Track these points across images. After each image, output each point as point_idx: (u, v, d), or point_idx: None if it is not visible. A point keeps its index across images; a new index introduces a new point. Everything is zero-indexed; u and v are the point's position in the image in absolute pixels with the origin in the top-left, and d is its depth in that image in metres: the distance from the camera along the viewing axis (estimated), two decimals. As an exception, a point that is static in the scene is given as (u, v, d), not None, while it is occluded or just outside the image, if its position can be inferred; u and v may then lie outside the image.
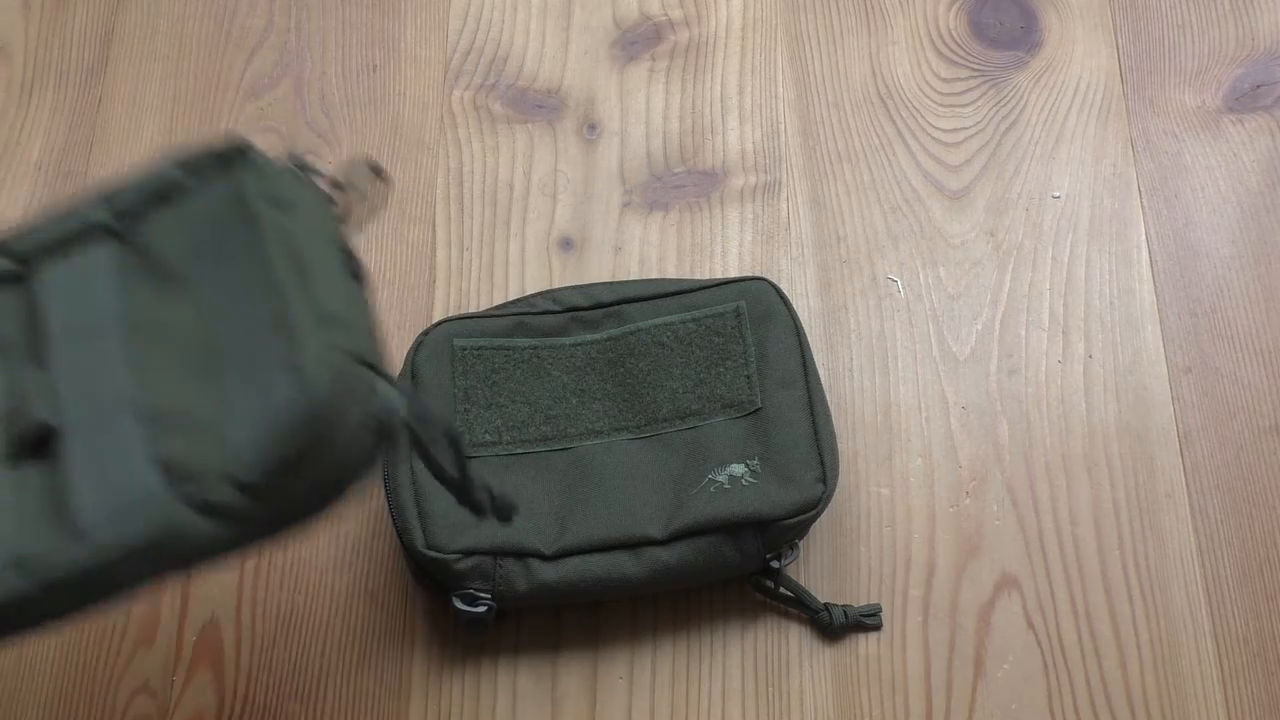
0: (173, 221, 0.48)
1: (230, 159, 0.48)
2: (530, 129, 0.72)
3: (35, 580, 0.40)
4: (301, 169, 0.50)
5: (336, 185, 0.51)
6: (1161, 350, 0.65)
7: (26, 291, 0.47)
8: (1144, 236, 0.68)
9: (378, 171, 0.51)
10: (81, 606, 0.42)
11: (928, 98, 0.72)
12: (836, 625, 0.59)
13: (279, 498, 0.41)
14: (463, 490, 0.45)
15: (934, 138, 0.71)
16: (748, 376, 0.61)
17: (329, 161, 0.72)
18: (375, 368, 0.43)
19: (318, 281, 0.45)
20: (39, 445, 0.44)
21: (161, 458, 0.41)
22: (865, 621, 0.60)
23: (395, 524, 0.58)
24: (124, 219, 0.48)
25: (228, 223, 0.47)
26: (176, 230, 0.48)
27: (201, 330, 0.45)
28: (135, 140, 0.73)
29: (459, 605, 0.58)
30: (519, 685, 0.60)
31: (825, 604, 0.60)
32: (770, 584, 0.59)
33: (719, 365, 0.61)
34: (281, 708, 0.60)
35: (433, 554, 0.57)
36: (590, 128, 0.72)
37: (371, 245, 0.70)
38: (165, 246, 0.48)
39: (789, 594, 0.59)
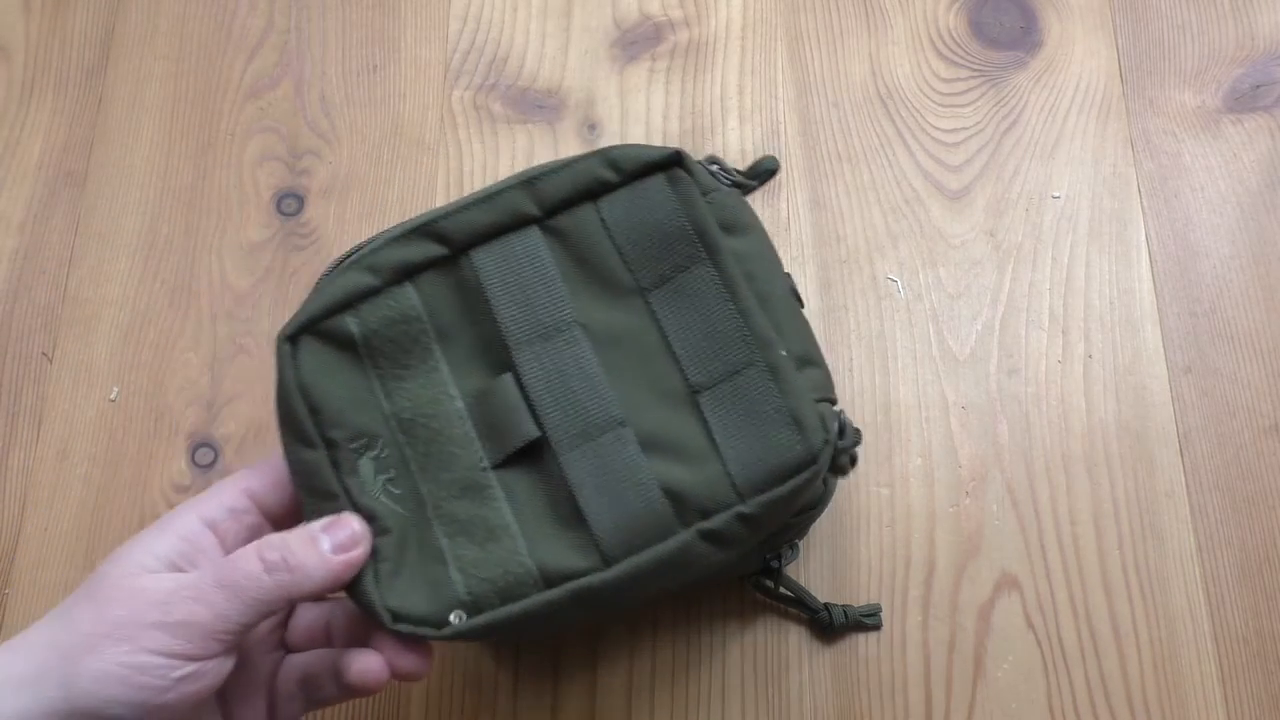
0: (600, 219, 0.50)
1: (665, 167, 0.50)
2: (530, 129, 0.72)
3: (569, 594, 0.45)
4: (719, 169, 0.52)
5: (738, 186, 0.53)
6: (1161, 350, 0.65)
7: (459, 274, 0.49)
8: (1144, 236, 0.68)
9: (772, 172, 0.55)
10: (592, 614, 0.47)
11: (928, 98, 0.72)
12: (836, 625, 0.59)
13: (771, 525, 0.47)
14: (832, 461, 0.49)
15: (934, 138, 0.71)
16: None
17: (329, 162, 0.72)
18: (833, 400, 0.48)
19: (782, 316, 0.49)
20: (527, 452, 0.47)
21: (665, 484, 0.46)
22: (865, 621, 0.60)
23: (359, 605, 0.55)
24: (547, 209, 0.50)
25: (674, 238, 0.49)
26: (606, 229, 0.50)
27: (664, 351, 0.48)
28: (135, 140, 0.74)
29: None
30: (519, 686, 0.60)
31: (825, 604, 0.60)
32: (770, 584, 0.59)
33: None
34: (282, 708, 0.60)
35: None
36: (590, 128, 0.72)
37: (371, 245, 0.70)
38: (594, 243, 0.49)
39: (789, 594, 0.59)
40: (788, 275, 0.52)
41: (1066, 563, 0.61)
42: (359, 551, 0.45)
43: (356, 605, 0.46)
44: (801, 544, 0.60)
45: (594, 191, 0.50)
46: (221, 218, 0.71)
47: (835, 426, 0.47)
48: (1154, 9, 0.73)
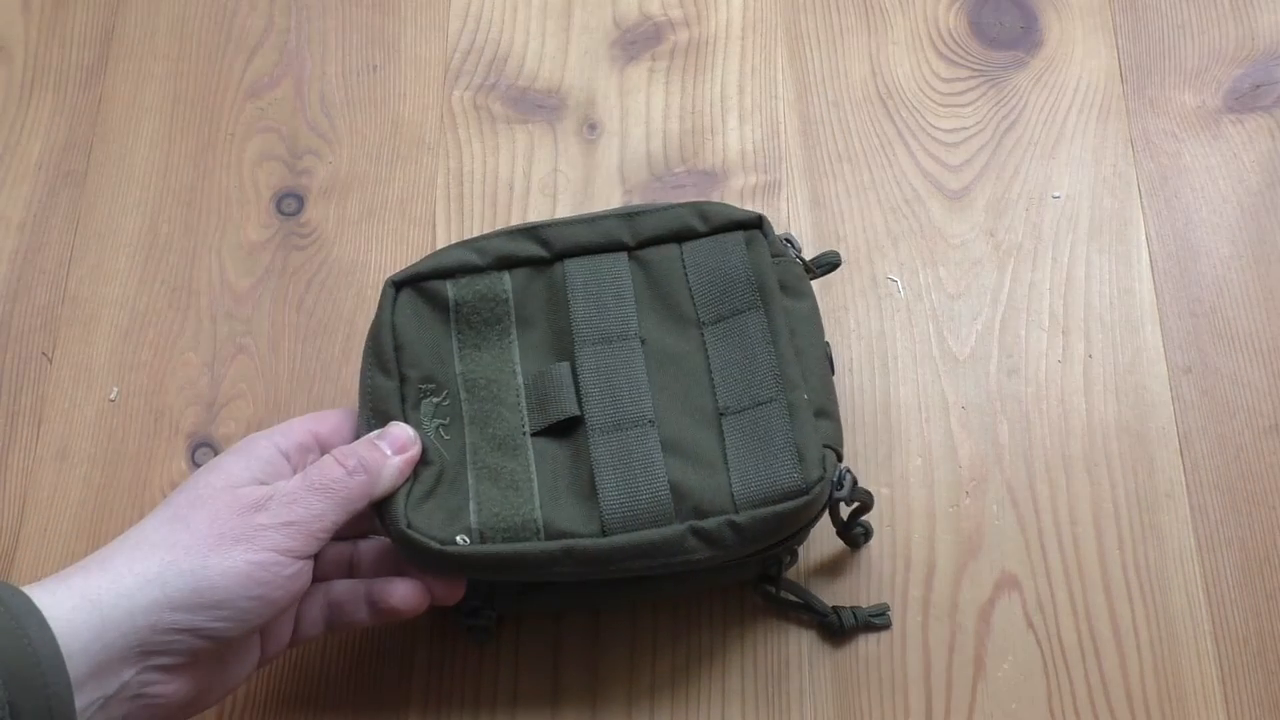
0: (681, 258, 0.58)
1: (747, 227, 0.58)
2: (530, 129, 0.72)
3: (563, 549, 0.51)
4: (789, 243, 0.59)
5: (809, 269, 0.60)
6: (1161, 350, 0.65)
7: (550, 276, 0.58)
8: (1144, 236, 0.68)
9: (835, 265, 0.61)
10: (578, 574, 0.51)
11: (928, 98, 0.72)
12: (846, 627, 0.59)
13: (757, 540, 0.52)
14: (844, 529, 0.57)
15: (934, 138, 0.71)
16: None
17: (329, 162, 0.72)
18: (840, 455, 0.54)
19: (812, 370, 0.55)
20: (563, 428, 0.55)
21: (674, 482, 0.52)
22: (874, 621, 0.60)
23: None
24: (639, 241, 0.58)
25: (738, 285, 0.57)
26: (684, 268, 0.57)
27: (705, 375, 0.55)
28: (135, 140, 0.73)
29: (461, 617, 0.58)
30: (519, 687, 0.60)
31: (834, 607, 0.59)
32: (773, 591, 0.59)
33: None
34: (282, 709, 0.60)
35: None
36: (590, 128, 0.72)
37: (371, 245, 0.70)
38: (671, 278, 0.57)
39: (795, 599, 0.59)
40: (827, 343, 0.58)
41: (1066, 563, 0.61)
42: (414, 450, 0.53)
43: (377, 510, 0.52)
44: (800, 549, 0.60)
45: (681, 235, 0.58)
46: (221, 218, 0.71)
47: (835, 472, 0.53)
48: (1154, 9, 0.73)
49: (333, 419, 0.56)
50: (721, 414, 0.54)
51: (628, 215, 0.58)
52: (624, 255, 0.58)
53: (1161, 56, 0.72)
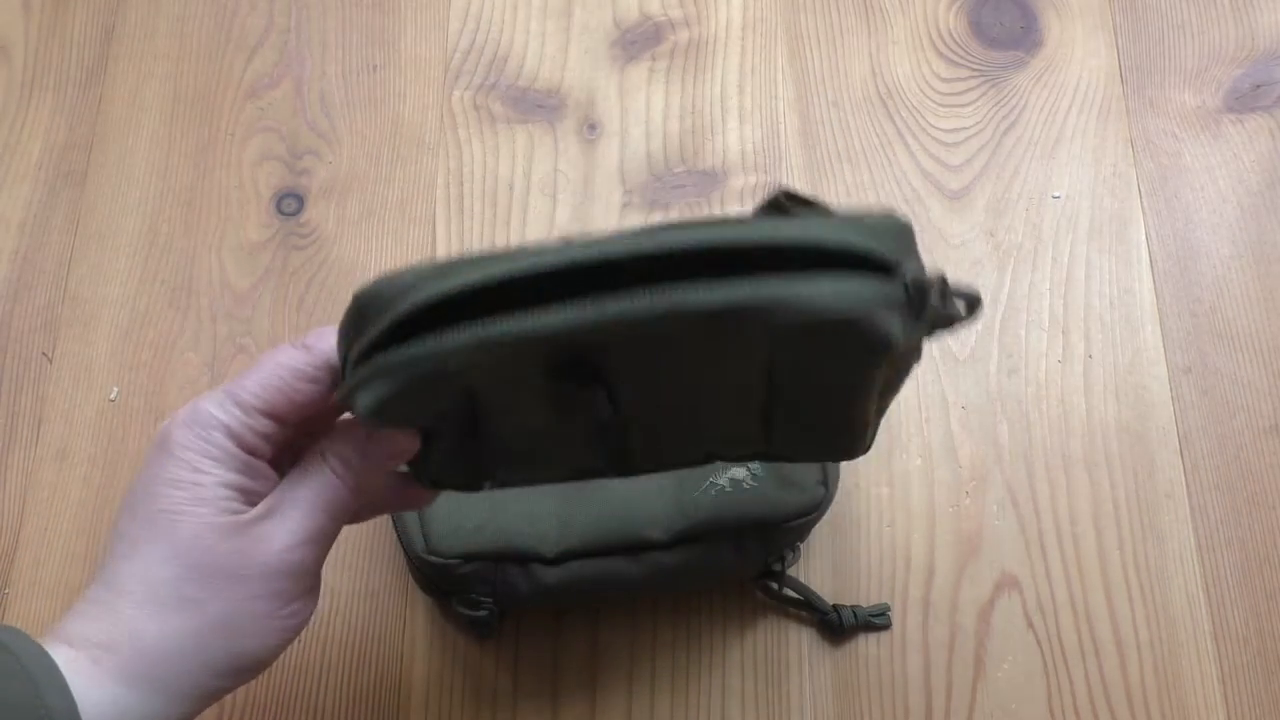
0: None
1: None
2: (530, 129, 0.72)
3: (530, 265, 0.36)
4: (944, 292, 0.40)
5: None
6: (1161, 350, 0.65)
7: None
8: (1144, 236, 0.68)
9: (974, 304, 0.40)
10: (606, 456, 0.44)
11: (928, 98, 0.72)
12: (846, 626, 0.59)
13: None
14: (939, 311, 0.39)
15: (934, 138, 0.71)
16: None
17: (329, 162, 0.72)
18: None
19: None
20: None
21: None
22: (874, 621, 0.60)
23: (396, 530, 0.58)
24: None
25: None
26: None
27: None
28: (135, 140, 0.73)
29: (461, 610, 0.58)
30: (519, 685, 0.60)
31: (834, 605, 0.59)
32: (774, 586, 0.59)
33: None
34: (282, 708, 0.60)
35: (434, 559, 0.57)
36: (590, 128, 0.72)
37: (371, 245, 0.70)
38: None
39: (796, 596, 0.59)
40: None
41: (1066, 563, 0.61)
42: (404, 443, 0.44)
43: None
44: (802, 546, 0.60)
45: None
46: (221, 218, 0.71)
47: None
48: (1154, 9, 0.73)
49: (272, 374, 0.43)
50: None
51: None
52: None
53: (1161, 56, 0.72)
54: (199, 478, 0.42)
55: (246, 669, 0.43)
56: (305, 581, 0.44)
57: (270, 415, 0.43)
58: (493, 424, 0.44)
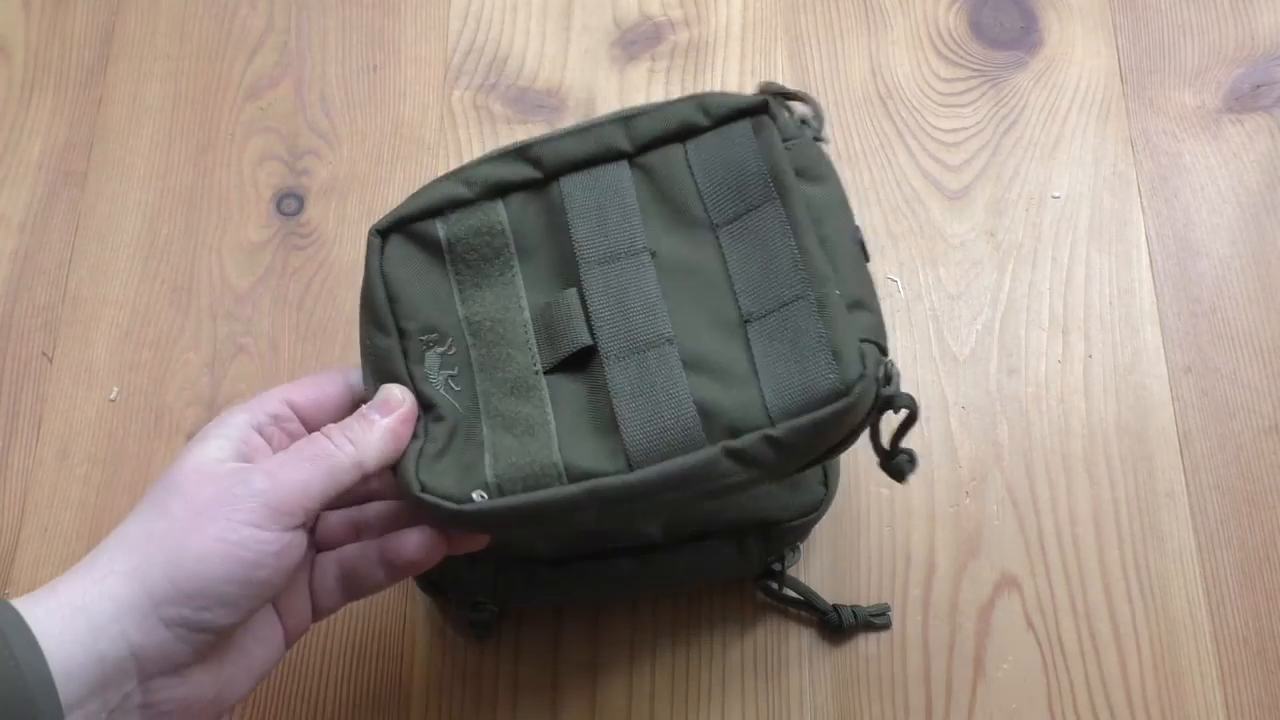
0: (685, 158, 0.52)
1: (753, 113, 0.52)
2: (530, 129, 0.72)
3: (588, 491, 0.46)
4: (804, 124, 0.52)
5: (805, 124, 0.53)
6: (1161, 350, 0.65)
7: (547, 198, 0.52)
8: (1144, 236, 0.68)
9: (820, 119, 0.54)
10: (606, 514, 0.47)
11: (928, 98, 0.72)
12: (846, 626, 0.59)
13: (799, 454, 0.47)
14: (888, 457, 0.50)
15: (934, 138, 0.71)
16: None
17: (329, 162, 0.72)
18: (884, 349, 0.48)
19: (842, 260, 0.49)
20: (577, 361, 0.49)
21: (700, 401, 0.47)
22: (874, 621, 0.60)
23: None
24: (639, 145, 0.52)
25: (750, 179, 0.51)
26: (690, 168, 0.52)
27: (724, 282, 0.50)
28: (135, 140, 0.74)
29: (460, 610, 0.58)
30: (519, 684, 0.60)
31: (834, 605, 0.59)
32: (775, 586, 0.59)
33: None
34: (282, 708, 0.60)
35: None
36: (590, 128, 0.72)
37: (371, 245, 0.70)
38: (677, 180, 0.52)
39: (796, 596, 0.59)
40: (857, 227, 0.52)
41: (1066, 563, 0.61)
42: (405, 408, 0.49)
43: (395, 475, 0.49)
44: (802, 546, 0.60)
45: (684, 133, 0.52)
46: (221, 218, 0.71)
47: (879, 369, 0.47)
48: (1154, 9, 0.73)
49: (311, 388, 0.51)
50: (745, 321, 0.49)
51: (623, 119, 0.52)
52: (624, 164, 0.52)
53: (1161, 56, 0.72)
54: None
55: (188, 594, 0.42)
56: (271, 519, 0.44)
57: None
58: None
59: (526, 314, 0.51)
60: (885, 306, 0.66)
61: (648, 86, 0.73)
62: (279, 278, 0.70)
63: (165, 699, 0.43)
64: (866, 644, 0.60)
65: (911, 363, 0.65)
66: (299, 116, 0.74)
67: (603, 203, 0.51)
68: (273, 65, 0.75)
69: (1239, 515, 0.62)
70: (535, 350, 0.50)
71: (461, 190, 0.52)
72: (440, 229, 0.52)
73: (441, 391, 0.50)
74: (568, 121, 0.72)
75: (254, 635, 0.47)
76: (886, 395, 0.47)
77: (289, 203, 0.71)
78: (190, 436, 0.66)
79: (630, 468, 0.46)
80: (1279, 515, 0.62)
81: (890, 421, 0.48)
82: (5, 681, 0.38)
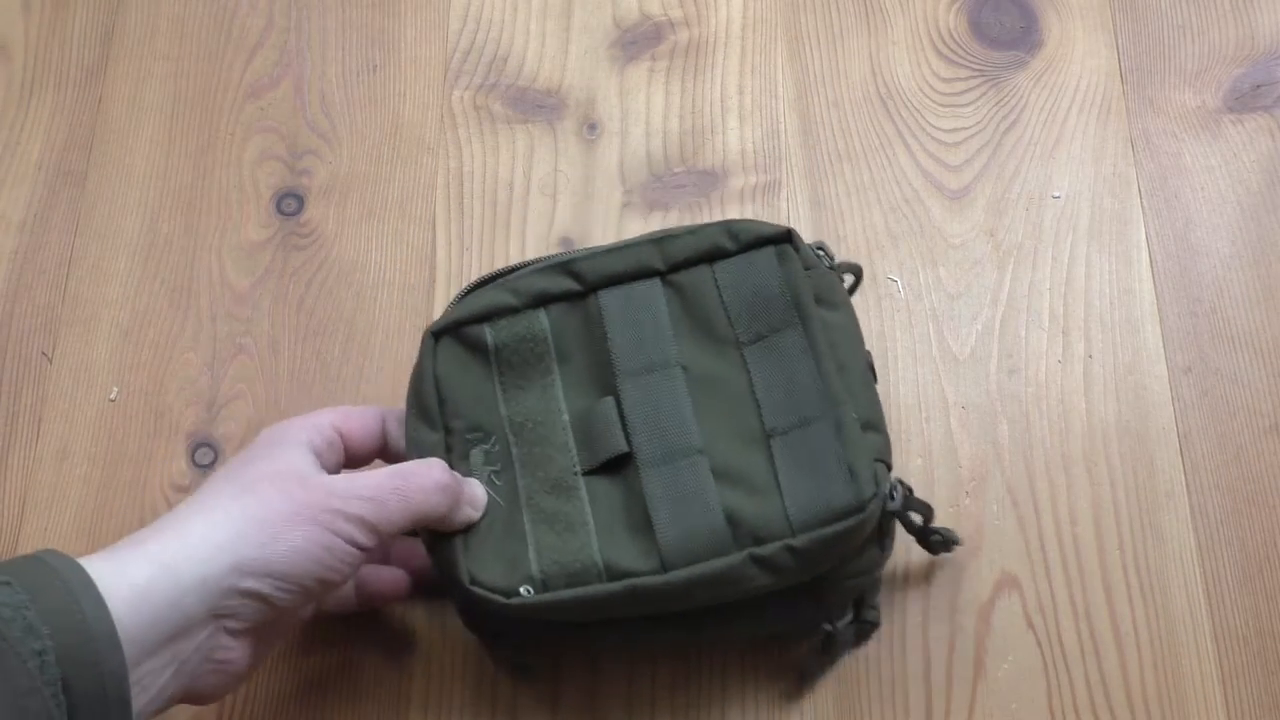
0: (714, 279, 0.57)
1: (777, 242, 0.57)
2: (530, 129, 0.72)
3: (627, 589, 0.51)
4: (821, 251, 0.58)
5: (851, 273, 0.60)
6: (1161, 350, 0.65)
7: (585, 310, 0.57)
8: (1144, 236, 0.68)
9: (858, 275, 0.61)
10: (642, 610, 0.52)
11: (928, 98, 0.72)
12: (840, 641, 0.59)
13: (816, 563, 0.52)
14: (923, 540, 0.56)
15: (934, 138, 0.71)
16: None
17: (329, 162, 0.72)
18: (890, 465, 0.54)
19: (856, 383, 0.54)
20: (613, 465, 0.54)
21: (729, 510, 0.52)
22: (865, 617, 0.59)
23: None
24: (671, 265, 0.57)
25: (774, 303, 0.56)
26: (717, 288, 0.57)
27: (749, 397, 0.55)
28: (135, 140, 0.74)
29: (504, 654, 0.58)
30: (519, 686, 0.60)
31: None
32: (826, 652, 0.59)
33: None
34: (282, 708, 0.60)
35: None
36: (590, 128, 0.72)
37: (371, 245, 0.70)
38: (705, 299, 0.57)
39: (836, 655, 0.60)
40: (868, 352, 0.57)
41: (1066, 563, 0.61)
42: (480, 512, 0.54)
43: (438, 564, 0.53)
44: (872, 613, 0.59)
45: (713, 255, 0.57)
46: (221, 218, 0.71)
47: (887, 486, 0.52)
48: (1154, 9, 0.73)
49: (358, 419, 0.55)
50: (769, 435, 0.53)
51: (657, 240, 0.57)
52: (657, 282, 0.57)
53: (1161, 56, 0.72)
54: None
55: (276, 576, 0.47)
56: (367, 538, 0.49)
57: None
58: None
59: (566, 417, 0.55)
60: (885, 306, 0.67)
61: (648, 86, 0.73)
62: (279, 278, 0.70)
63: (220, 658, 0.47)
64: (866, 644, 0.60)
65: (911, 363, 0.65)
66: (299, 116, 0.74)
67: (638, 317, 0.56)
68: (273, 65, 0.75)
69: (1239, 515, 0.62)
70: (574, 452, 0.54)
71: (509, 299, 0.56)
72: (488, 334, 0.56)
73: (485, 486, 0.54)
74: (568, 121, 0.72)
75: (286, 620, 0.52)
76: (891, 510, 0.53)
77: (289, 203, 0.71)
78: (190, 437, 0.66)
79: (664, 569, 0.51)
80: (1279, 515, 0.62)
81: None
82: (75, 635, 0.41)
